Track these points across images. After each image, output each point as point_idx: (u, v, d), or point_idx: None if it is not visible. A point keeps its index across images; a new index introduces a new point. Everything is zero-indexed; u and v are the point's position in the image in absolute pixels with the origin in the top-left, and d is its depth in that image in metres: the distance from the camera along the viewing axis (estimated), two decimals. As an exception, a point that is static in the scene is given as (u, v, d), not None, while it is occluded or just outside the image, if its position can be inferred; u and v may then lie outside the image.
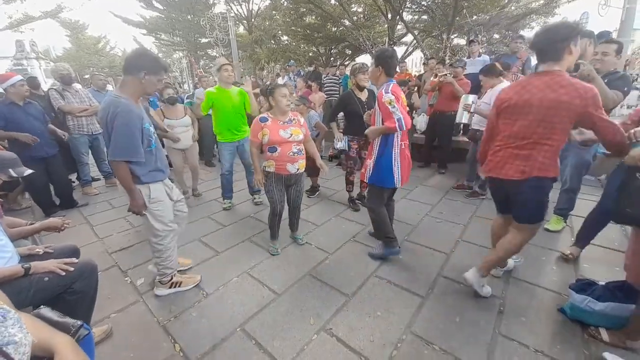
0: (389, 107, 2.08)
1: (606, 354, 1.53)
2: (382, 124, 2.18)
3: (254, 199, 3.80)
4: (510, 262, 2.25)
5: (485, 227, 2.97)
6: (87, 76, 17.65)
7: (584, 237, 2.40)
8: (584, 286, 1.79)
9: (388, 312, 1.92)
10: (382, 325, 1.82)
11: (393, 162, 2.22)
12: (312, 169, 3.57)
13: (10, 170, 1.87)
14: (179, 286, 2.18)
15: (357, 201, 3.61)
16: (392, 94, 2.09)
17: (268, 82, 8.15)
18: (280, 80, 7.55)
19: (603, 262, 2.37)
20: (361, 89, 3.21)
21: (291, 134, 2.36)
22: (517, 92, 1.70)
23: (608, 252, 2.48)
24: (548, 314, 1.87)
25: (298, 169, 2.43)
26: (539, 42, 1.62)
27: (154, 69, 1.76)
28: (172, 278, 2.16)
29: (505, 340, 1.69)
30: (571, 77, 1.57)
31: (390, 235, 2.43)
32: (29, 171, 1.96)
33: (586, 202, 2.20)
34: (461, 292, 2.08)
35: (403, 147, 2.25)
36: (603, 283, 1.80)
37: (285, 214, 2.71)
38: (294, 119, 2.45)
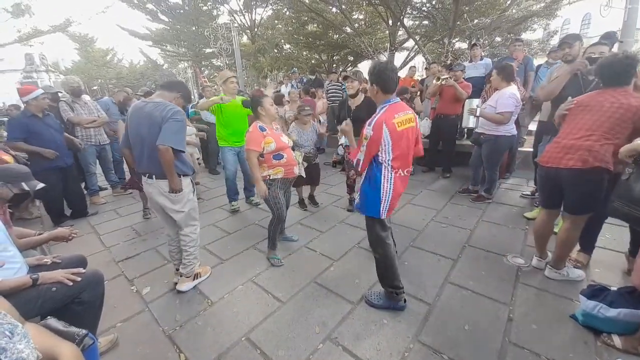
0: (363, 140, 1.76)
1: (620, 362, 1.49)
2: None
3: (252, 201, 3.98)
4: (579, 272, 2.20)
5: (492, 232, 2.94)
6: (95, 87, 18.05)
7: (586, 241, 2.35)
8: (596, 292, 1.75)
9: (394, 320, 1.89)
10: (388, 333, 1.79)
11: (382, 191, 1.82)
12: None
13: (23, 184, 1.91)
14: (200, 277, 2.38)
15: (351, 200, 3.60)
16: (373, 129, 1.70)
17: (273, 90, 8.26)
18: (283, 88, 7.63)
19: (615, 266, 2.32)
20: (353, 96, 3.21)
21: (288, 141, 2.49)
22: (591, 96, 1.93)
23: (620, 255, 2.42)
24: (559, 321, 1.82)
25: (299, 171, 2.55)
26: (604, 72, 1.87)
27: (185, 96, 2.22)
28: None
29: (515, 348, 1.65)
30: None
31: (398, 286, 1.95)
32: (40, 185, 2.00)
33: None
34: (469, 299, 2.05)
35: (397, 175, 1.84)
36: (615, 288, 1.76)
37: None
38: (279, 127, 2.59)
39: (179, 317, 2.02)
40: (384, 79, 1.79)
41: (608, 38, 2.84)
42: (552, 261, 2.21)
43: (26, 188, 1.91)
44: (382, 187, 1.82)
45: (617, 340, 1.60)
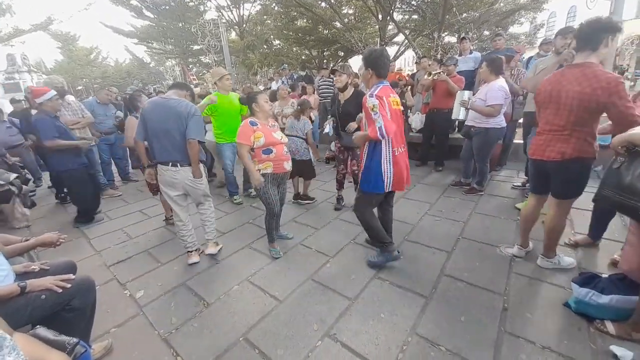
0: (372, 113, 1.94)
1: (613, 347, 1.53)
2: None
3: (250, 194, 4.12)
4: (570, 260, 2.23)
5: (485, 223, 2.98)
6: (80, 87, 17.56)
7: (594, 228, 2.43)
8: (588, 279, 1.79)
9: (392, 314, 1.90)
10: (386, 327, 1.80)
11: (382, 167, 2.09)
12: (297, 172, 3.62)
13: None
14: (219, 245, 2.80)
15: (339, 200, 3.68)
16: (377, 99, 1.92)
17: (262, 87, 8.16)
18: (273, 85, 7.55)
19: (605, 253, 2.37)
20: (342, 90, 3.19)
21: (282, 137, 2.54)
22: (551, 82, 1.92)
23: (610, 243, 2.48)
24: (553, 309, 1.86)
25: (290, 166, 2.60)
26: (581, 29, 1.78)
27: (192, 95, 2.68)
28: None
29: (511, 337, 1.67)
30: (599, 69, 1.71)
31: (385, 240, 2.31)
32: (13, 175, 1.95)
33: (584, 194, 2.21)
34: (465, 290, 2.07)
35: (396, 153, 2.11)
36: (606, 275, 1.80)
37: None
38: (275, 124, 2.65)
39: (175, 319, 1.99)
40: (379, 64, 2.02)
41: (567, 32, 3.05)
42: (543, 250, 2.25)
43: (1, 182, 1.84)
44: (382, 162, 2.06)
45: (610, 327, 1.64)
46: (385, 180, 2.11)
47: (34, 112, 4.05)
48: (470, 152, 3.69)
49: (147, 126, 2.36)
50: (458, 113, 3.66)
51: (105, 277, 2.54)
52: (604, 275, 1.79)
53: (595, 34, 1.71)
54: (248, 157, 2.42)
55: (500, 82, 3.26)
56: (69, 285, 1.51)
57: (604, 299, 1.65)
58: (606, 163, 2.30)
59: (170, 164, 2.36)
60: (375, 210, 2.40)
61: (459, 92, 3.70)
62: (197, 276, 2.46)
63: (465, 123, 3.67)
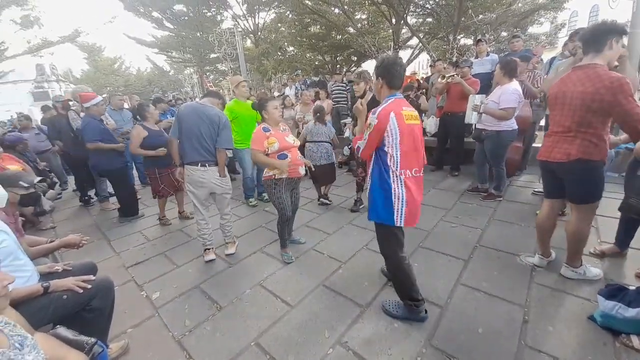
0: (366, 129, 1.70)
1: (642, 364, 1.43)
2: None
3: (263, 198, 4.17)
4: (597, 271, 2.12)
5: (504, 231, 2.88)
6: (104, 95, 18.43)
7: (621, 236, 2.31)
8: (614, 292, 1.69)
9: (405, 323, 1.86)
10: (399, 337, 1.76)
11: (394, 192, 1.69)
12: (324, 176, 3.76)
13: (21, 182, 1.95)
14: (236, 243, 2.96)
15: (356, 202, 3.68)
16: (378, 118, 1.63)
17: (276, 93, 8.28)
18: (287, 90, 7.65)
19: (633, 264, 2.23)
20: (361, 97, 3.19)
21: (294, 140, 2.56)
22: (558, 84, 1.93)
23: (638, 253, 2.33)
24: (577, 322, 1.76)
25: (304, 171, 2.62)
26: (585, 33, 1.80)
27: (223, 103, 2.99)
28: None
29: (532, 352, 1.59)
30: (602, 69, 1.70)
31: (414, 297, 1.84)
32: (38, 178, 2.06)
33: (609, 201, 2.08)
34: (482, 301, 2.00)
35: (409, 175, 1.71)
36: (634, 287, 1.69)
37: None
38: (285, 128, 2.66)
39: (189, 322, 2.02)
40: (391, 73, 1.71)
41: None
42: (567, 259, 2.14)
43: (25, 184, 1.94)
44: (392, 191, 1.68)
45: (636, 341, 1.54)
46: (395, 212, 1.70)
47: (77, 115, 4.30)
48: (483, 156, 3.61)
49: (182, 127, 2.55)
50: (470, 117, 3.59)
51: (123, 278, 2.62)
52: (631, 287, 1.68)
53: (599, 36, 1.72)
54: (263, 156, 2.44)
55: (514, 85, 3.21)
56: (89, 286, 1.56)
57: (631, 312, 1.55)
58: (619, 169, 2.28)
59: (199, 164, 2.54)
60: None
61: (470, 96, 3.63)
62: (211, 279, 2.50)
63: (477, 126, 3.60)
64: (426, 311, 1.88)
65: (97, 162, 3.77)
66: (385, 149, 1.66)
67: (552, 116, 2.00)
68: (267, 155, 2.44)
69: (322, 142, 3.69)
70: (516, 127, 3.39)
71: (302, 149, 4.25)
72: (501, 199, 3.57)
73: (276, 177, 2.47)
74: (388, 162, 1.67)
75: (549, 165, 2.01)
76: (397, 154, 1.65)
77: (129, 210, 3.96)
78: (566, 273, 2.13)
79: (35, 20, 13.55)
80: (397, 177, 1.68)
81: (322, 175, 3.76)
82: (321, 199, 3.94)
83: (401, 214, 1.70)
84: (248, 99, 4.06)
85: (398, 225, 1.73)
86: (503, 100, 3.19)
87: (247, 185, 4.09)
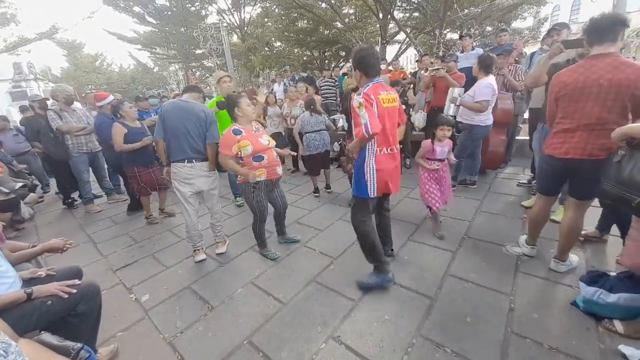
0: (358, 111, 1.83)
1: (621, 346, 1.50)
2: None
3: (237, 201, 4.05)
4: (576, 258, 2.20)
5: (491, 222, 2.95)
6: (84, 94, 17.83)
7: (603, 221, 2.40)
8: (595, 278, 1.76)
9: (396, 315, 1.89)
10: (391, 329, 1.79)
11: (365, 169, 1.96)
12: (323, 163, 4.07)
13: (1, 187, 1.88)
14: (227, 242, 2.96)
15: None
16: (364, 97, 1.82)
17: (265, 89, 8.19)
18: (275, 86, 7.57)
19: (614, 251, 2.33)
20: (354, 90, 3.22)
21: (269, 141, 2.49)
22: (581, 73, 1.77)
23: (619, 240, 2.43)
24: (560, 309, 1.83)
25: (281, 171, 2.62)
26: (600, 22, 1.71)
27: (203, 96, 2.92)
28: None
29: (518, 338, 1.65)
30: (627, 59, 1.70)
31: (381, 259, 2.12)
32: (19, 184, 2.00)
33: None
34: (470, 291, 2.05)
35: (380, 153, 1.95)
36: (614, 273, 1.76)
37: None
38: (258, 127, 2.55)
39: (180, 323, 2.00)
40: (365, 63, 1.92)
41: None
42: (559, 254, 2.14)
43: (6, 190, 1.88)
44: (365, 164, 1.94)
45: (618, 326, 1.61)
46: (369, 184, 1.97)
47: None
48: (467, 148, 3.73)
49: (166, 125, 2.51)
50: (449, 109, 3.66)
51: (111, 281, 2.57)
52: (612, 273, 1.75)
53: (615, 26, 1.69)
54: (232, 161, 2.35)
55: (489, 80, 3.34)
56: (74, 291, 1.52)
57: (612, 298, 1.62)
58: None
59: (186, 161, 2.52)
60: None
61: (450, 89, 3.71)
62: (202, 279, 2.48)
63: (456, 119, 3.69)
64: (393, 274, 2.17)
65: (116, 159, 3.78)
66: None
67: (577, 108, 1.79)
68: (241, 158, 2.35)
69: (321, 130, 3.95)
70: (490, 123, 3.53)
71: (293, 140, 4.47)
72: (455, 187, 3.73)
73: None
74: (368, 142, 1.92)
75: (577, 162, 1.84)
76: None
77: (138, 204, 3.96)
78: (558, 268, 2.14)
79: (12, 17, 12.94)
80: (372, 154, 1.95)
81: (321, 162, 4.05)
82: (325, 189, 4.17)
83: (373, 185, 1.97)
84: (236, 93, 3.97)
85: (372, 196, 2.01)
86: (477, 93, 3.35)
87: (232, 182, 3.94)
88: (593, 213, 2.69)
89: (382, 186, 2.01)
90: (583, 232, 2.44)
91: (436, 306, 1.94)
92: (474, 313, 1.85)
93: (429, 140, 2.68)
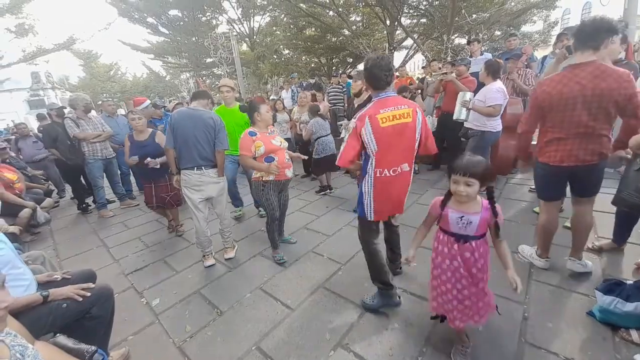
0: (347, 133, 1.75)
1: (637, 356, 1.45)
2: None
3: (259, 211, 3.90)
4: (590, 263, 2.16)
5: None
6: (100, 102, 18.39)
7: (618, 232, 2.32)
8: (612, 286, 1.70)
9: (406, 323, 1.86)
10: (400, 338, 1.76)
11: (364, 188, 1.82)
12: (318, 168, 4.28)
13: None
14: (235, 247, 2.99)
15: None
16: (357, 121, 1.69)
17: (273, 96, 8.30)
18: (283, 93, 7.67)
19: (631, 258, 2.25)
20: (356, 95, 3.26)
21: (281, 142, 2.59)
22: (565, 84, 1.78)
23: (635, 247, 2.35)
24: (576, 318, 1.77)
25: (292, 174, 2.66)
26: (583, 29, 1.73)
27: (212, 101, 2.89)
28: None
29: (532, 348, 1.60)
30: (608, 66, 1.70)
31: (386, 282, 1.94)
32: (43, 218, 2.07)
33: (606, 196, 2.12)
34: (481, 299, 2.00)
35: (380, 174, 1.76)
36: (631, 282, 1.70)
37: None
38: (273, 130, 2.71)
39: (189, 328, 2.02)
40: (372, 76, 1.73)
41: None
42: (574, 252, 2.13)
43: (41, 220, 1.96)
44: (363, 186, 1.83)
45: (635, 335, 1.55)
46: (366, 207, 1.84)
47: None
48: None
49: (177, 134, 2.55)
50: (460, 113, 3.64)
51: (123, 285, 2.61)
52: (629, 282, 1.70)
53: (598, 34, 1.68)
54: (251, 160, 2.48)
55: (498, 84, 3.33)
56: (89, 294, 1.56)
57: (629, 307, 1.57)
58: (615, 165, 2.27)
59: (196, 168, 2.56)
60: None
61: (460, 92, 3.69)
62: (211, 284, 2.50)
63: (465, 125, 3.66)
64: (399, 297, 2.00)
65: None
66: (368, 150, 1.73)
67: (563, 117, 1.81)
68: (255, 158, 2.48)
69: (329, 134, 4.27)
70: (500, 129, 3.49)
71: (302, 145, 4.78)
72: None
73: (264, 179, 2.54)
74: (368, 162, 1.78)
75: (569, 169, 1.89)
76: (372, 156, 1.73)
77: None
78: (574, 267, 2.12)
79: (30, 28, 13.52)
80: (370, 176, 1.78)
81: (331, 164, 4.12)
82: (327, 191, 4.36)
83: (370, 209, 1.85)
84: (241, 101, 3.93)
85: (369, 219, 1.88)
86: (489, 98, 3.31)
87: (231, 193, 3.65)
88: (604, 220, 2.63)
89: (380, 213, 1.87)
90: (597, 244, 2.38)
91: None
92: (486, 322, 1.80)
93: (439, 200, 1.54)
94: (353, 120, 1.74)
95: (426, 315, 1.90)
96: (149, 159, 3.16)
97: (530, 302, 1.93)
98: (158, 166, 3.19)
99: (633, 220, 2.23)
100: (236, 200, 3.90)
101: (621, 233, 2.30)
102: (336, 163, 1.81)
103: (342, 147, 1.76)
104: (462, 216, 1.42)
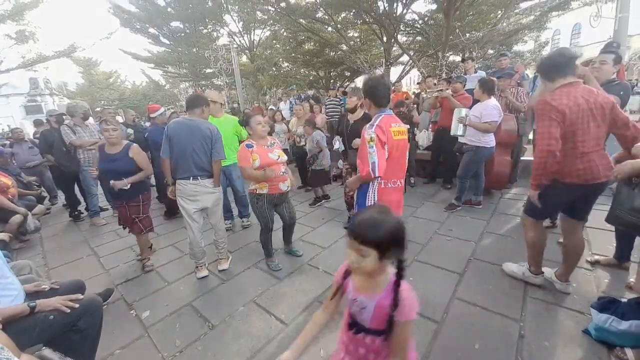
0: (367, 146, 1.81)
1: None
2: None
3: (242, 222, 3.92)
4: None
5: (498, 243, 2.90)
6: (98, 109, 18.37)
7: (618, 249, 2.34)
8: (607, 304, 1.70)
9: (401, 339, 1.83)
10: (396, 354, 1.73)
11: (368, 200, 1.90)
12: (317, 179, 4.37)
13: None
14: (229, 259, 2.95)
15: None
16: (376, 131, 1.80)
17: (272, 107, 8.39)
18: (281, 105, 7.76)
19: (624, 276, 2.26)
20: (351, 111, 3.26)
21: (279, 156, 2.57)
22: (576, 97, 1.75)
23: (631, 265, 2.37)
24: (572, 337, 1.76)
25: (288, 187, 2.63)
26: (559, 60, 1.82)
27: (207, 106, 2.74)
28: None
29: (528, 367, 1.58)
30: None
31: None
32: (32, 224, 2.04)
33: (601, 213, 2.15)
34: (478, 315, 1.99)
35: (384, 186, 1.92)
36: (625, 300, 1.71)
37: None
38: (274, 142, 2.69)
39: (179, 342, 1.96)
40: (375, 93, 1.92)
41: (609, 47, 2.79)
42: (564, 276, 2.12)
43: (31, 228, 1.93)
44: (367, 196, 1.88)
45: (629, 354, 1.55)
46: None
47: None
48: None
49: (173, 144, 2.54)
50: (457, 129, 3.72)
51: (112, 296, 2.54)
52: (623, 300, 1.70)
53: (572, 61, 1.80)
54: (250, 170, 2.46)
55: (493, 102, 3.45)
56: (77, 306, 1.52)
57: (624, 325, 1.56)
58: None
59: (192, 178, 2.55)
60: None
61: (456, 109, 3.78)
62: (203, 296, 2.45)
63: (460, 140, 3.78)
64: None
65: (158, 173, 3.85)
66: None
67: (583, 131, 1.75)
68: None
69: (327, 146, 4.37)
70: (493, 145, 3.58)
71: (299, 157, 4.87)
72: (460, 207, 3.74)
73: (257, 192, 2.55)
74: None
75: (587, 187, 1.84)
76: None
77: (173, 211, 4.25)
78: (567, 289, 2.11)
79: (30, 35, 13.58)
80: (374, 187, 1.88)
81: (327, 175, 4.47)
82: (322, 201, 4.44)
83: None
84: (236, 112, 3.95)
85: None
86: (485, 114, 3.41)
87: (226, 205, 3.60)
88: (598, 237, 2.65)
89: None
90: (595, 258, 2.41)
91: (443, 331, 1.88)
92: (482, 339, 1.79)
93: (344, 266, 1.10)
94: (370, 130, 1.82)
95: (423, 332, 1.88)
96: (112, 181, 2.66)
97: (526, 319, 1.92)
98: (127, 187, 2.69)
99: (631, 238, 2.25)
100: (226, 212, 3.71)
101: (622, 249, 2.32)
102: (377, 174, 1.82)
103: (371, 159, 1.80)
104: (356, 298, 1.02)
